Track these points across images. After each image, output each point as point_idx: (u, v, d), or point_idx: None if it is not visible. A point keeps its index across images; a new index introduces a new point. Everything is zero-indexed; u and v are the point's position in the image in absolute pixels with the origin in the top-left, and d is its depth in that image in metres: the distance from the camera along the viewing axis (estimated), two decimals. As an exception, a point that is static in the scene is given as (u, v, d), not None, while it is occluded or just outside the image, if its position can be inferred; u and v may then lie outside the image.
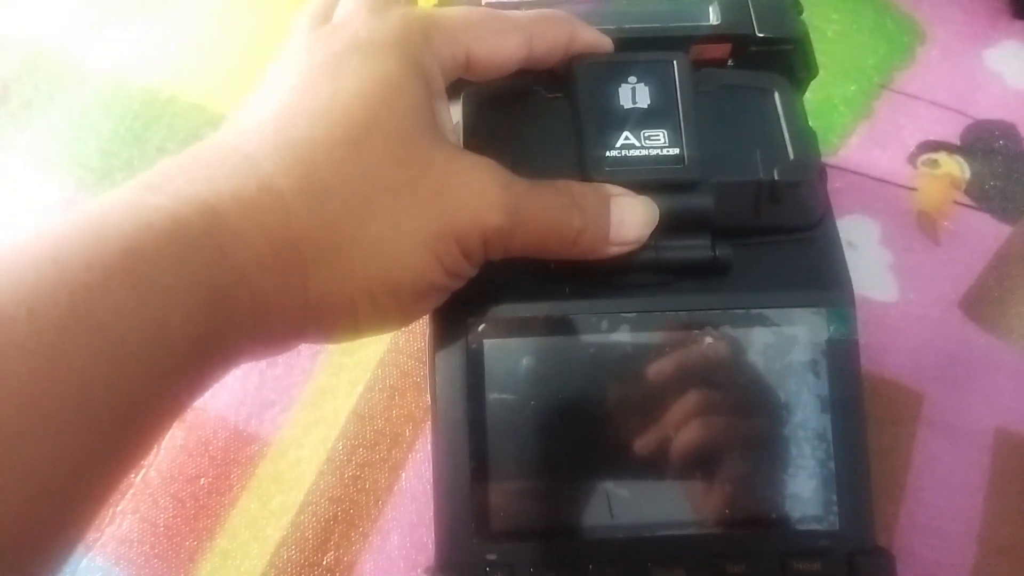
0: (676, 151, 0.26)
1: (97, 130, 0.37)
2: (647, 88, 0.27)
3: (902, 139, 0.37)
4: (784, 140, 0.27)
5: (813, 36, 0.30)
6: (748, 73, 0.29)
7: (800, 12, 0.30)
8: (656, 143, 0.26)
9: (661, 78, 0.27)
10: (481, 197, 0.23)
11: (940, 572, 0.29)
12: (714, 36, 0.29)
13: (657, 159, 0.26)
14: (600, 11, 0.31)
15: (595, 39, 0.28)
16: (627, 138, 0.26)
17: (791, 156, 0.27)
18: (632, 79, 0.27)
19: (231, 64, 0.38)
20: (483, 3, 0.30)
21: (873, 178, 0.36)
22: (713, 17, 0.30)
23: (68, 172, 0.36)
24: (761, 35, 0.29)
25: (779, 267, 0.27)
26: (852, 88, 0.38)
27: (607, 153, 0.26)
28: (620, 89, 0.27)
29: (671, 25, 0.30)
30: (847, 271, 0.27)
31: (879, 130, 0.37)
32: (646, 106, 0.27)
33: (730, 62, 0.30)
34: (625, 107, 0.27)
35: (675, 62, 0.27)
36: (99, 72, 0.39)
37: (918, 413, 0.31)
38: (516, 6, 0.29)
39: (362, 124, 0.22)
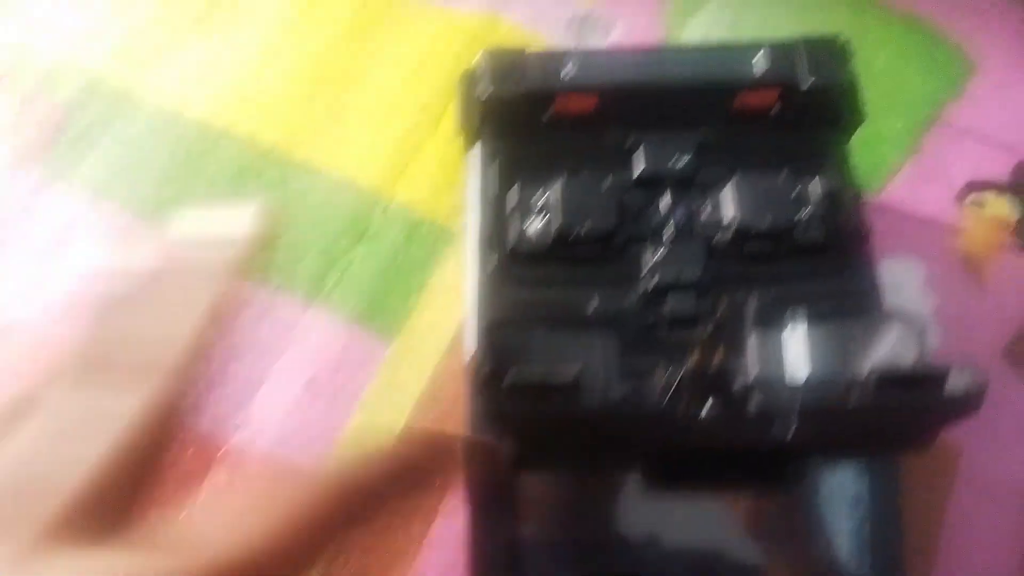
0: None
1: (151, 160, 0.38)
2: None
3: (949, 177, 0.36)
4: None
5: (861, 68, 0.30)
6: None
7: (850, 58, 0.30)
8: None
9: None
10: None
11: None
12: (761, 84, 0.30)
13: None
14: (650, 57, 0.31)
15: None
16: None
17: None
18: None
19: (280, 98, 0.39)
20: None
21: (919, 218, 0.35)
22: (762, 63, 0.30)
23: (125, 202, 0.37)
24: (809, 83, 0.29)
25: None
26: (900, 123, 0.37)
27: None
28: None
29: (718, 72, 0.30)
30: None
31: (926, 166, 0.36)
32: None
33: (776, 106, 0.30)
34: None
35: None
36: (153, 102, 0.39)
37: (956, 467, 0.31)
38: (588, 55, 0.30)
39: None
